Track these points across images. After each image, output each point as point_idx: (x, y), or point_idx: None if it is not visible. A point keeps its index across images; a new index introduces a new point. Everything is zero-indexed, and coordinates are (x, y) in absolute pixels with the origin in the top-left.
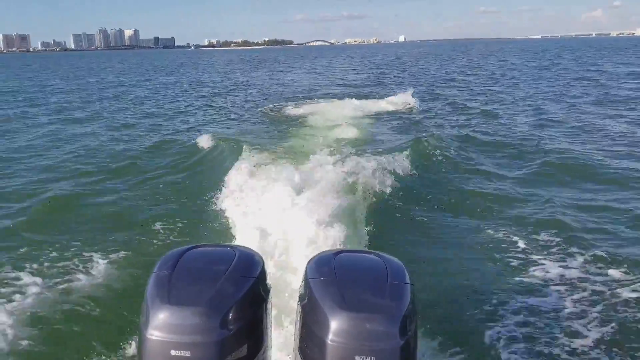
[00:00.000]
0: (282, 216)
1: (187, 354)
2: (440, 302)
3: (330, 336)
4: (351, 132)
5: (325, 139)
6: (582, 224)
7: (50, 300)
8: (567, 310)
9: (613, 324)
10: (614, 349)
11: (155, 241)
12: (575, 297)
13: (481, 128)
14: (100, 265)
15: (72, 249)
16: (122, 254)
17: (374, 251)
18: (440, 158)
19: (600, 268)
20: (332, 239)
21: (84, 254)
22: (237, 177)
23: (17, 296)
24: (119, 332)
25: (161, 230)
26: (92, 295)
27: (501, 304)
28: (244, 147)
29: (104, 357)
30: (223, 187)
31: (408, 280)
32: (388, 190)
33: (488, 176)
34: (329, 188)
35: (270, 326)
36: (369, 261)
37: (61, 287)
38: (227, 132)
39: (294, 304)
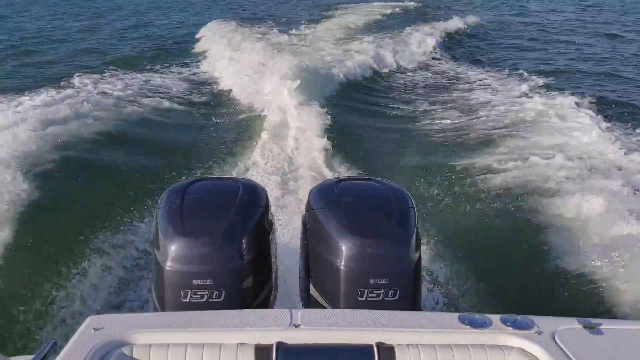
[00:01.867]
0: None
1: (209, 282)
2: (441, 223)
3: (344, 262)
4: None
5: None
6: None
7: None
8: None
9: None
10: None
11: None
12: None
13: None
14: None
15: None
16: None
17: (374, 178)
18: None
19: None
20: None
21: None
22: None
23: None
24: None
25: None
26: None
27: (500, 223)
28: None
29: (119, 292)
30: None
31: (411, 205)
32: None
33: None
34: None
35: (276, 252)
36: (371, 188)
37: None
38: None
39: (298, 234)
